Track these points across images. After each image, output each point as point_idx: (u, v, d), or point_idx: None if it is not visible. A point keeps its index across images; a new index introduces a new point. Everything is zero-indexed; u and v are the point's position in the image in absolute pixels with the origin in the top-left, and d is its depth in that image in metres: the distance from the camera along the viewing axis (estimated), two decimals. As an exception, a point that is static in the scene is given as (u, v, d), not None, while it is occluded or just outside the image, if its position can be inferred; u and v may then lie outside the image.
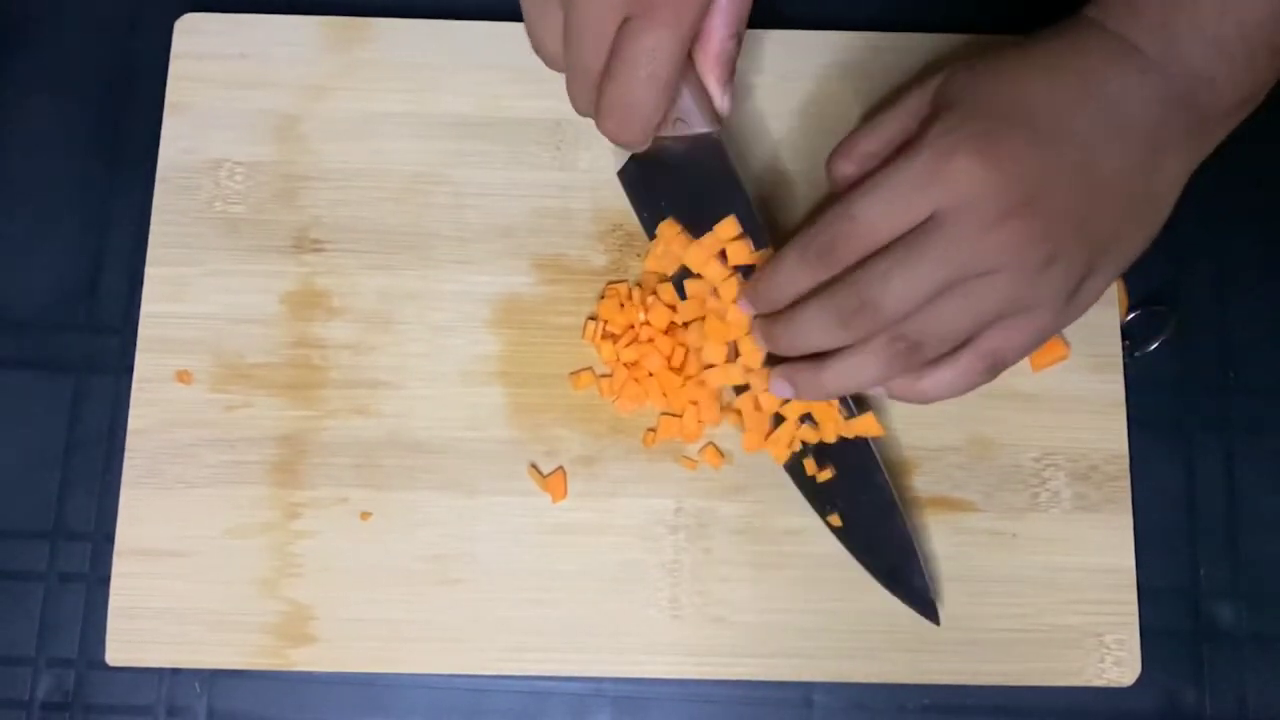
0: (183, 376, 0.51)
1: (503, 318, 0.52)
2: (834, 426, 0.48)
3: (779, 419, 0.49)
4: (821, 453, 0.49)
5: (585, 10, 0.41)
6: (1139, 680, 0.49)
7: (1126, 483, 0.51)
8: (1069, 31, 0.44)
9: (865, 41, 0.54)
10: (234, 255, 0.52)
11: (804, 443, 0.49)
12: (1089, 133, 0.41)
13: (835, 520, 0.49)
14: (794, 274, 0.44)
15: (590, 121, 0.45)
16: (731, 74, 0.46)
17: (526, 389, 0.51)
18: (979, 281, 0.41)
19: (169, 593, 0.49)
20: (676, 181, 0.49)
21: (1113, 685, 0.49)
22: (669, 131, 0.47)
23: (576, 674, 0.49)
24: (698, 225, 0.49)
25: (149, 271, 0.52)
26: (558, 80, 0.53)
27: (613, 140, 0.44)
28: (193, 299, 0.51)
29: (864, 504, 0.49)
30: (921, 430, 0.51)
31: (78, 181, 0.54)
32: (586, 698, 0.50)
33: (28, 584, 0.50)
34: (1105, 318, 0.52)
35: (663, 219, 0.50)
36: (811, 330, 0.44)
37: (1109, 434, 0.51)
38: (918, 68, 0.54)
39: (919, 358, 0.43)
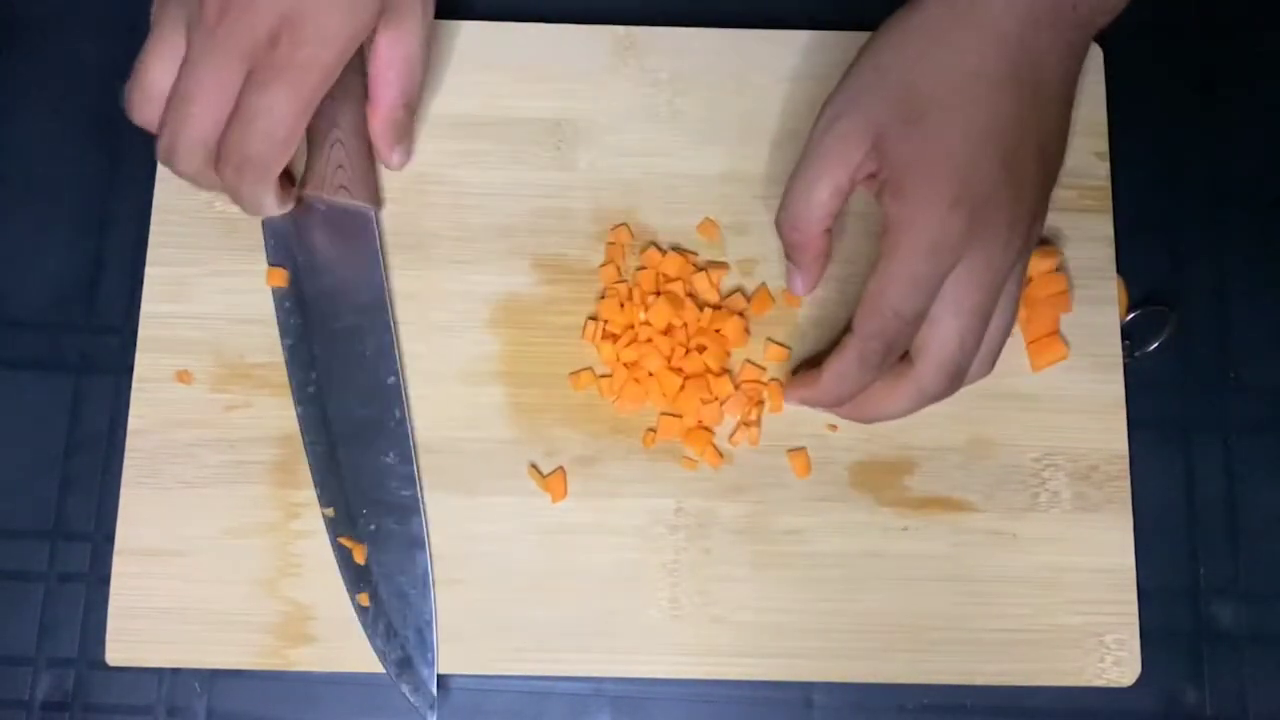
0: (183, 376, 0.51)
1: (503, 318, 0.52)
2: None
3: None
4: None
5: (210, 61, 0.43)
6: (1139, 680, 0.49)
7: (1126, 483, 0.51)
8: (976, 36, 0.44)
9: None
10: (234, 255, 0.52)
11: None
12: (1036, 135, 0.44)
13: None
14: (860, 377, 0.46)
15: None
16: (403, 138, 0.50)
17: (526, 389, 0.51)
18: (1004, 287, 0.45)
19: (169, 593, 0.49)
20: (319, 243, 0.51)
21: (1113, 685, 0.49)
22: (330, 195, 0.50)
23: (576, 674, 0.49)
24: (325, 289, 0.50)
25: (149, 271, 0.52)
26: (558, 80, 0.54)
27: (238, 202, 0.47)
28: (193, 299, 0.51)
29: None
30: (921, 430, 0.51)
31: (78, 181, 0.54)
32: (586, 698, 0.50)
33: (28, 584, 0.50)
34: (1105, 318, 0.52)
35: (280, 268, 0.51)
36: (894, 407, 0.47)
37: (1109, 434, 0.51)
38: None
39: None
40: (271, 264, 0.51)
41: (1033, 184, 0.45)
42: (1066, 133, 0.47)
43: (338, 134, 0.50)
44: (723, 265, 0.52)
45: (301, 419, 0.50)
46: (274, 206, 0.48)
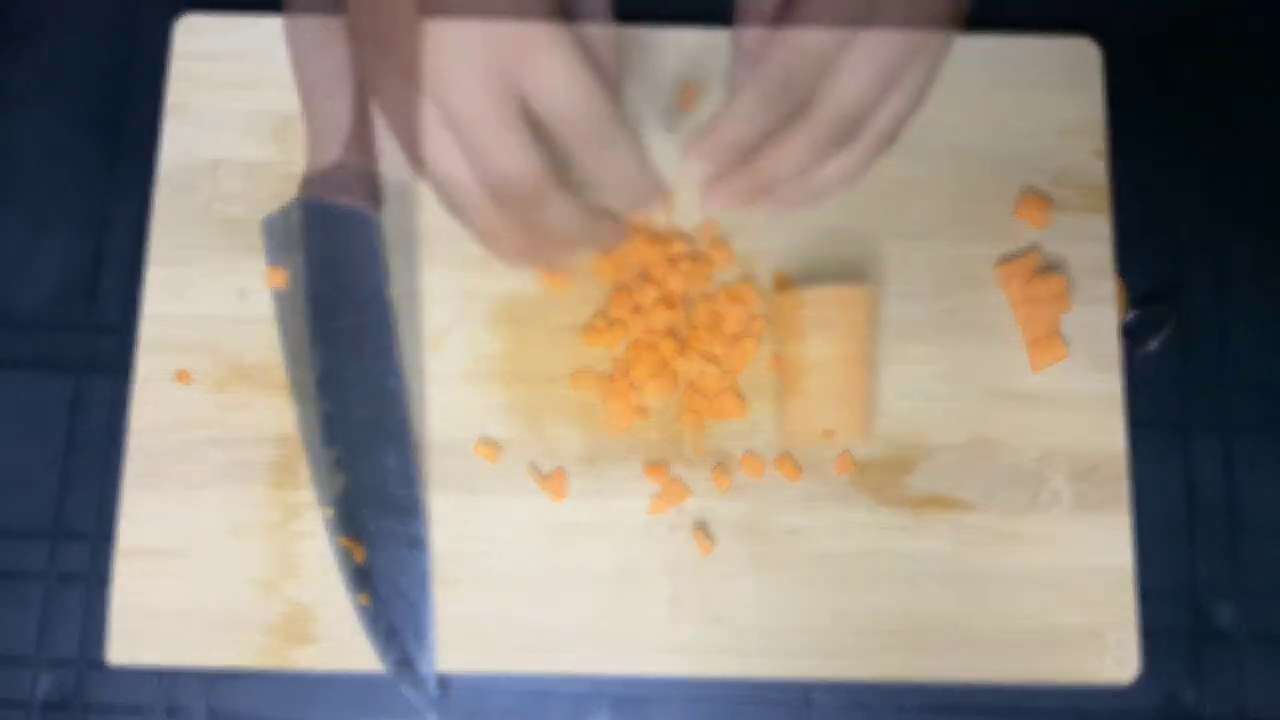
0: (183, 376, 0.51)
1: (503, 317, 0.52)
2: None
3: None
4: None
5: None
6: (1139, 680, 0.49)
7: (1126, 482, 0.51)
8: None
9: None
10: (234, 255, 0.52)
11: None
12: None
13: None
14: (757, 115, 0.42)
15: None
16: None
17: (526, 389, 0.51)
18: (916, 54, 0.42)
19: (169, 593, 0.49)
20: (320, 244, 0.50)
21: (1112, 685, 0.49)
22: (331, 196, 0.50)
23: (576, 674, 0.49)
24: (326, 290, 0.50)
25: (149, 272, 0.52)
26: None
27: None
28: (193, 299, 0.51)
29: None
30: (921, 429, 0.51)
31: (78, 181, 0.54)
32: (586, 698, 0.50)
33: (28, 584, 0.50)
34: (1105, 317, 0.52)
35: (280, 268, 0.51)
36: (796, 155, 0.43)
37: (1109, 434, 0.51)
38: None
39: None
40: (271, 264, 0.51)
41: None
42: None
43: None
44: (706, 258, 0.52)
45: (301, 419, 0.50)
46: None
